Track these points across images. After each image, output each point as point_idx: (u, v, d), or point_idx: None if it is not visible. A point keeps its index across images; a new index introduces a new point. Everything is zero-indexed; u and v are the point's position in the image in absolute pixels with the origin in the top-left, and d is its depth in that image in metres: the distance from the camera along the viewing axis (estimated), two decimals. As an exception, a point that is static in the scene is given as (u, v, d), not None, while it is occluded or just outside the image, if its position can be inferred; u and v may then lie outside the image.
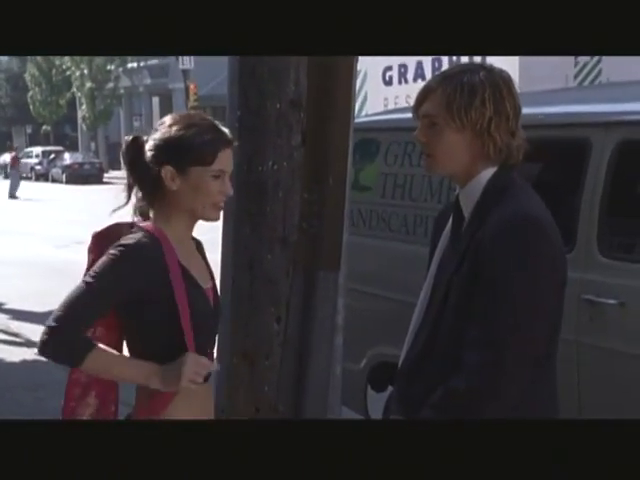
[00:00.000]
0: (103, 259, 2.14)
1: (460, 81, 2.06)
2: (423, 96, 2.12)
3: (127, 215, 2.32)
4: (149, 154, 2.22)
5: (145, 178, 2.24)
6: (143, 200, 2.29)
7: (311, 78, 3.11)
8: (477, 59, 13.20)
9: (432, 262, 2.23)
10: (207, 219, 2.26)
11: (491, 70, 2.11)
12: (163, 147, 2.20)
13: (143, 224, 2.25)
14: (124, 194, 2.30)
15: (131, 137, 2.29)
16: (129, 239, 2.17)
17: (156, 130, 2.24)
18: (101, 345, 2.14)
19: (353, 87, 3.25)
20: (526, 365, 1.97)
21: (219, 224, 3.35)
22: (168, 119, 2.26)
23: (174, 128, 2.20)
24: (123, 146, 2.28)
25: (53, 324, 2.08)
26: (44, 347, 2.11)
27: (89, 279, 2.13)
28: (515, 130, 2.08)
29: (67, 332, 2.09)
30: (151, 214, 2.28)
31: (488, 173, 2.10)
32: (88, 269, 2.22)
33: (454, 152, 2.09)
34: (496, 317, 1.95)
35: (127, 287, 2.14)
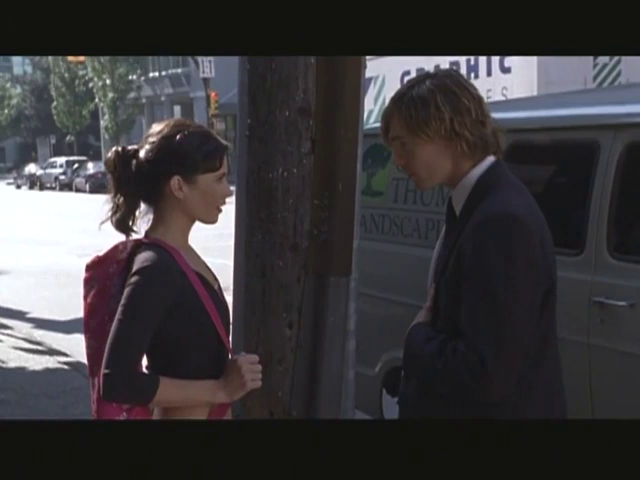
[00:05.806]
0: (129, 290, 2.09)
1: (410, 97, 2.09)
2: (385, 124, 2.17)
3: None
4: (150, 165, 2.18)
5: (145, 190, 2.21)
6: (127, 209, 2.22)
7: (319, 85, 3.15)
8: (495, 60, 13.17)
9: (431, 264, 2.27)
10: (209, 222, 2.25)
11: (435, 75, 2.13)
12: (170, 158, 2.16)
13: (146, 239, 2.21)
14: (108, 207, 2.23)
15: (117, 149, 2.23)
16: (145, 261, 2.12)
17: (150, 140, 2.19)
18: (162, 377, 2.11)
19: (361, 93, 3.27)
20: (510, 363, 1.97)
21: (231, 231, 3.39)
22: (163, 128, 2.20)
23: (176, 138, 2.17)
24: (110, 157, 2.21)
25: (107, 371, 2.05)
26: (109, 395, 2.09)
27: (124, 316, 2.07)
28: (484, 119, 2.10)
29: (124, 376, 2.06)
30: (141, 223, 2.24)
31: (477, 171, 2.12)
32: (100, 295, 2.22)
33: (433, 163, 2.12)
34: (475, 315, 1.97)
35: (161, 310, 2.10)
